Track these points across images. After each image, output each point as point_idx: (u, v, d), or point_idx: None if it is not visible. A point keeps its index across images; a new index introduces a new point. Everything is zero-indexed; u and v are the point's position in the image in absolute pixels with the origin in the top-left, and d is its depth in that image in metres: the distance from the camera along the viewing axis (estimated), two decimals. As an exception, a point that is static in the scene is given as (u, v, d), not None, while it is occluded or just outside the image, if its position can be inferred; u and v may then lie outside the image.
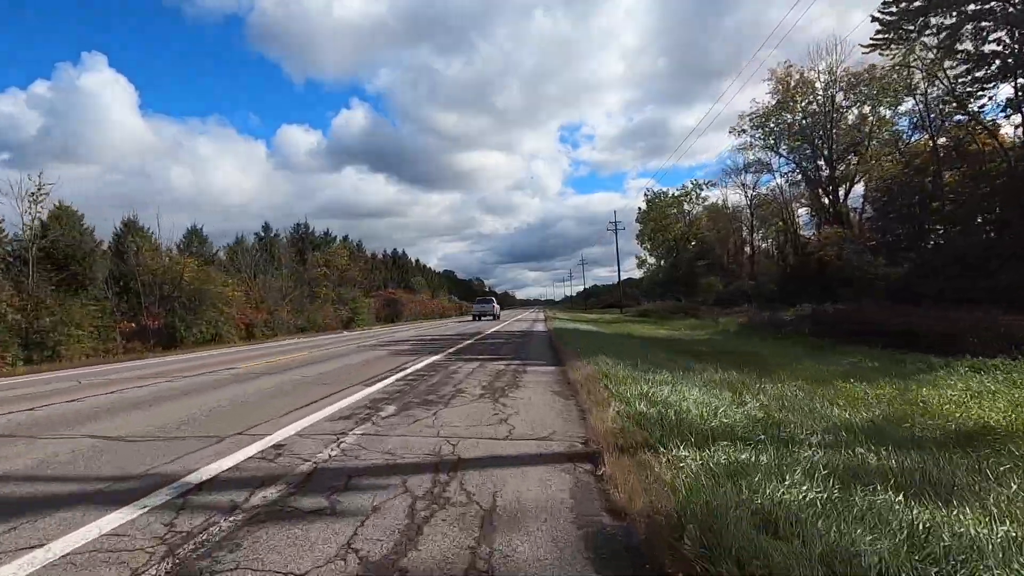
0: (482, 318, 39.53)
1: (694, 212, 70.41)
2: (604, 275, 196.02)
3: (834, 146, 33.94)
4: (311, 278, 30.98)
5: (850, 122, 34.65)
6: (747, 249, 54.23)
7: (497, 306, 47.22)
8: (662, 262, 79.61)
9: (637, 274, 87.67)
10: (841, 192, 36.56)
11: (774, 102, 36.86)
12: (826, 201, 37.62)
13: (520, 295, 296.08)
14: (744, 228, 51.39)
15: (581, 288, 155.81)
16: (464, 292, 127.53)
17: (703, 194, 69.76)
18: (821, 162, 36.15)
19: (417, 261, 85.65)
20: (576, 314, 56.83)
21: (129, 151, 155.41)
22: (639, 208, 72.62)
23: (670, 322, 28.62)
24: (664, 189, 72.48)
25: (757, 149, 39.86)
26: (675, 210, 71.48)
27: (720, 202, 61.65)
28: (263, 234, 41.27)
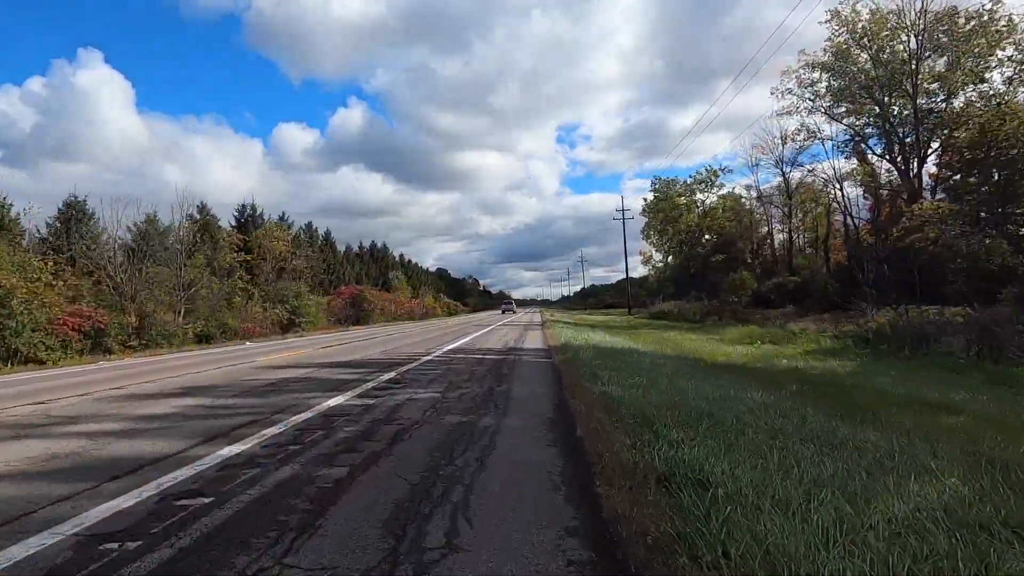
0: (504, 312, 71.25)
1: (709, 202, 62.91)
2: (601, 275, 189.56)
3: (919, 100, 26.27)
4: (224, 267, 23.06)
5: (936, 71, 26.99)
6: (778, 239, 46.54)
7: (514, 304, 69.89)
8: (669, 259, 72.13)
9: (636, 273, 79.93)
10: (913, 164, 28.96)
11: (828, 56, 29.25)
12: (893, 173, 29.99)
13: (517, 295, 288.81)
14: (776, 216, 43.67)
15: (579, 288, 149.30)
16: (456, 292, 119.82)
17: (718, 181, 62.39)
18: (891, 124, 28.51)
19: (401, 256, 78.00)
20: (577, 315, 48.87)
21: (125, 149, 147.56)
22: (644, 199, 64.83)
23: (715, 330, 20.80)
24: (673, 177, 64.73)
25: (804, 113, 32.13)
26: (686, 199, 63.88)
27: (747, 189, 53.88)
28: (198, 216, 33.30)
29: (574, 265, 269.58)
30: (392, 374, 8.54)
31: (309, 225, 45.87)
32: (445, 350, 13.00)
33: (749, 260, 53.50)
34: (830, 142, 32.56)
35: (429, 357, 11.43)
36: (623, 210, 54.14)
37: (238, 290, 23.22)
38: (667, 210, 63.45)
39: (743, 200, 59.03)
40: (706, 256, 60.55)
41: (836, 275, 29.12)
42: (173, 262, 21.11)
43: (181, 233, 20.75)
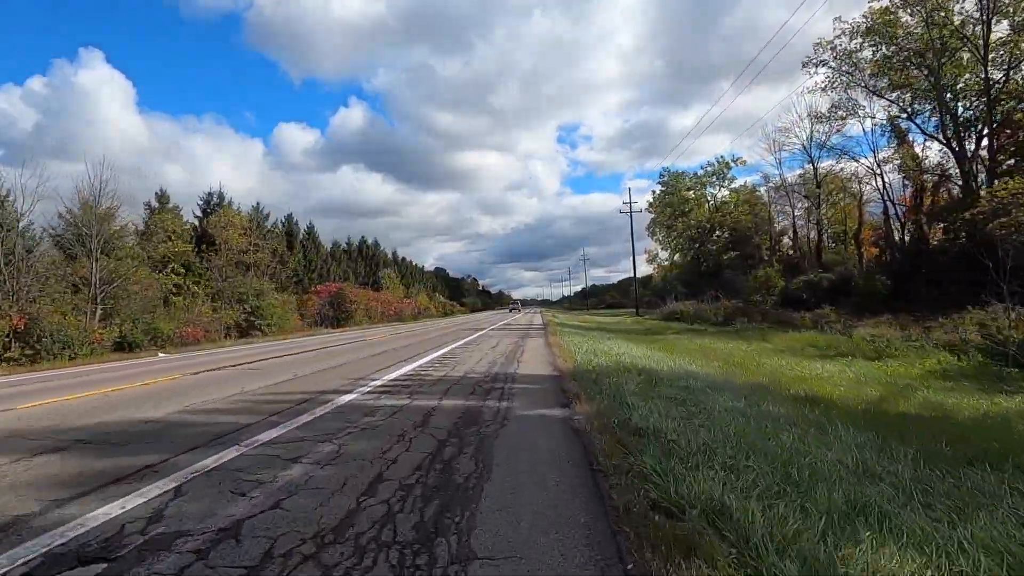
0: (512, 311, 77.09)
1: (721, 195, 59.09)
2: (601, 275, 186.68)
3: (989, 69, 22.45)
4: (158, 258, 19.13)
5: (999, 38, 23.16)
6: (800, 233, 42.72)
7: (520, 304, 73.41)
8: (675, 257, 68.32)
9: (640, 272, 76.17)
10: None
11: (870, 21, 25.42)
12: (945, 153, 26.17)
13: (517, 295, 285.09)
14: (799, 207, 39.81)
15: (579, 288, 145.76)
16: (454, 292, 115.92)
17: (730, 174, 58.56)
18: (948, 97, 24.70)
19: (394, 254, 74.03)
20: (581, 315, 44.95)
21: (125, 149, 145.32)
22: (652, 191, 60.93)
23: (753, 336, 16.93)
24: (682, 171, 60.83)
25: (840, 89, 28.28)
26: (696, 193, 60.04)
27: (764, 178, 50.00)
28: (157, 204, 29.46)
29: (575, 265, 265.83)
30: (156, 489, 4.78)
31: (290, 217, 42.05)
32: (390, 377, 8.92)
33: (766, 256, 49.70)
34: (869, 121, 28.69)
35: (342, 400, 6.69)
36: (630, 202, 50.20)
37: (173, 287, 19.33)
38: (676, 204, 59.60)
39: (760, 192, 55.24)
40: (718, 252, 56.77)
41: (885, 270, 25.25)
42: (116, 255, 17.26)
43: (96, 216, 16.57)
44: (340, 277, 47.89)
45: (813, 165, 35.07)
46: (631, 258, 58.95)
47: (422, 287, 76.53)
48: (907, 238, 28.51)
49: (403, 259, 77.55)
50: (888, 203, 28.86)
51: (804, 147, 35.31)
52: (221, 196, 34.54)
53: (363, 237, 61.09)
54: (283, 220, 41.99)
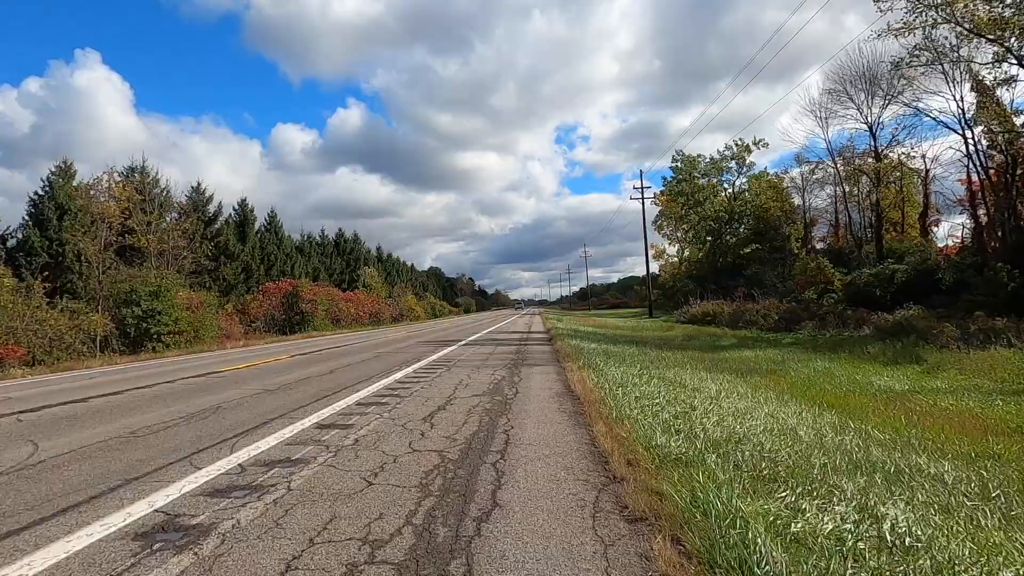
0: (517, 309, 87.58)
1: (739, 183, 52.84)
2: (599, 276, 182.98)
3: None
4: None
5: None
6: (840, 220, 36.53)
7: (524, 307, 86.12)
8: (686, 252, 62.15)
9: (641, 271, 69.87)
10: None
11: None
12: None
13: (514, 295, 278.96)
14: (843, 189, 33.59)
15: (577, 288, 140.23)
16: (449, 292, 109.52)
17: (748, 159, 52.26)
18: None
19: (379, 249, 67.51)
20: (586, 318, 38.54)
21: (122, 150, 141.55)
22: (663, 178, 54.51)
23: (917, 359, 10.46)
24: (698, 155, 54.53)
25: (928, 26, 22.03)
26: (713, 180, 53.77)
27: (796, 159, 44.00)
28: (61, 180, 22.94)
29: (574, 263, 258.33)
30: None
31: (243, 202, 35.52)
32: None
33: (796, 248, 43.61)
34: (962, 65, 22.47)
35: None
36: (641, 187, 43.98)
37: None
38: (691, 192, 53.31)
39: (791, 175, 49.10)
40: (737, 245, 50.63)
41: (1006, 257, 19.02)
42: None
43: None
44: (309, 275, 41.51)
45: (872, 135, 28.86)
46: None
47: (409, 286, 70.11)
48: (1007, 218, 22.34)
49: (389, 256, 71.11)
50: (977, 171, 22.66)
51: (859, 111, 29.03)
52: (144, 171, 27.82)
53: (340, 230, 54.73)
54: (236, 206, 35.56)
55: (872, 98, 28.38)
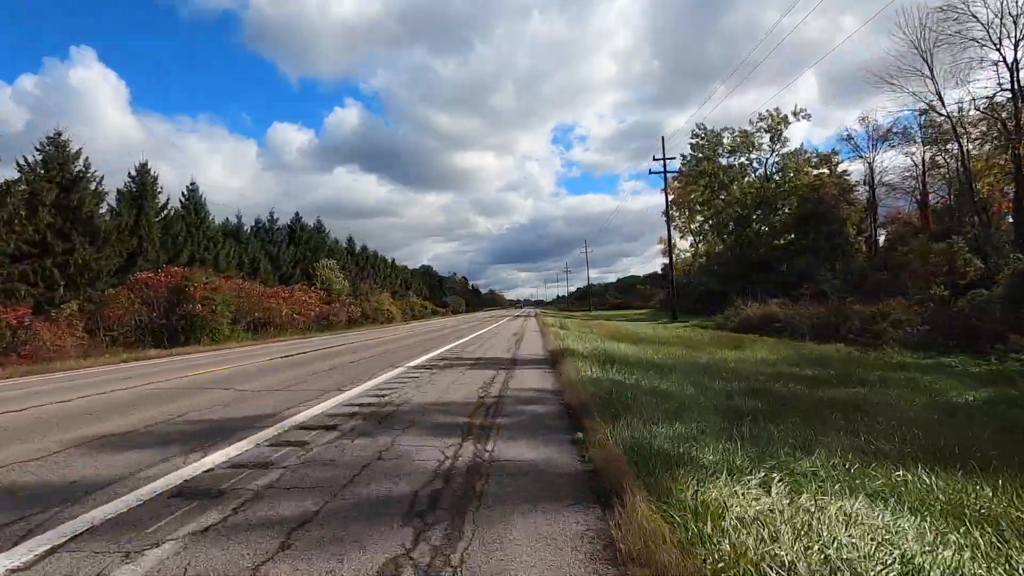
0: (518, 307, 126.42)
1: (772, 162, 44.26)
2: (596, 276, 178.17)
3: None
4: None
5: None
6: (928, 197, 28.15)
7: (524, 306, 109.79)
8: (701, 246, 53.60)
9: (641, 269, 61.04)
10: None
11: None
12: None
13: (511, 295, 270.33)
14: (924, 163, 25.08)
15: (574, 288, 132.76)
16: (434, 291, 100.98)
17: (784, 134, 43.74)
18: None
19: (350, 240, 58.87)
20: (593, 322, 29.70)
21: (117, 149, 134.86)
22: (681, 155, 45.80)
23: None
24: (724, 128, 45.91)
25: None
26: (738, 160, 45.28)
27: (848, 140, 35.26)
28: None
29: (572, 262, 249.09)
30: None
31: (144, 168, 26.84)
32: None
33: (852, 239, 35.23)
34: None
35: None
36: (664, 159, 35.51)
37: None
38: (713, 173, 44.80)
39: (837, 154, 40.73)
40: (770, 236, 42.26)
41: None
42: None
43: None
44: (244, 266, 32.92)
45: (1009, 67, 20.30)
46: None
47: (388, 284, 61.50)
48: None
49: (364, 249, 62.39)
50: None
51: (987, 31, 20.45)
52: (58, 144, 19.26)
53: (297, 213, 46.17)
54: (133, 172, 26.90)
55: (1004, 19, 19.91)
